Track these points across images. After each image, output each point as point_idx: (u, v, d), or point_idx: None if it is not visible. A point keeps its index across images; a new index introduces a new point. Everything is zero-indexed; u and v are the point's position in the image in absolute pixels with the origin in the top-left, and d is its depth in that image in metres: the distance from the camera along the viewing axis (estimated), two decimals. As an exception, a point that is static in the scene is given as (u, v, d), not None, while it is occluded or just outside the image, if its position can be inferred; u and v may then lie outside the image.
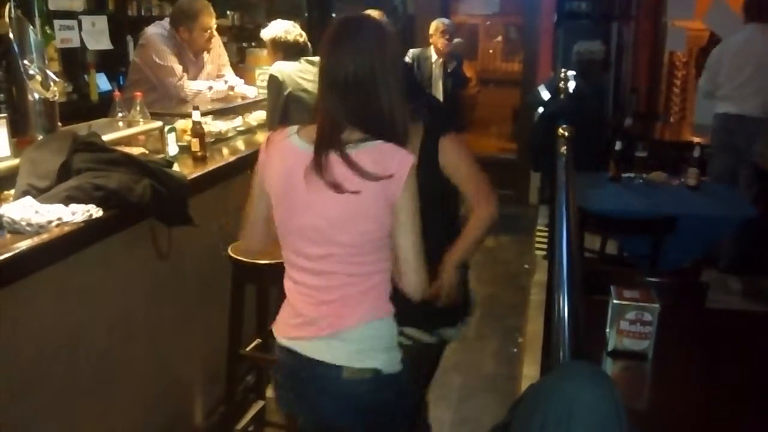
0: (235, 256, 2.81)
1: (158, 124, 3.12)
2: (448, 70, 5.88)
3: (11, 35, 2.45)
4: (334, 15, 6.69)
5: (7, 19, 2.45)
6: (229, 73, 4.53)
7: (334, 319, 1.75)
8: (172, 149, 3.07)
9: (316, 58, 3.80)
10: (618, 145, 4.28)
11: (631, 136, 5.38)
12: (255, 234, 1.94)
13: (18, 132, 2.51)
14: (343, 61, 1.66)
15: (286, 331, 1.84)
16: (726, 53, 4.97)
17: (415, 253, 1.72)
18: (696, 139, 5.23)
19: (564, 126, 3.66)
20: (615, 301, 2.05)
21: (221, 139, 3.54)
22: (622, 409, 1.17)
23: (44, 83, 2.57)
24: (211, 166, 3.03)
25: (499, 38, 10.13)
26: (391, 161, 1.65)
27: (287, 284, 1.86)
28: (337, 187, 1.64)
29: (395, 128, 1.70)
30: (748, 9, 4.92)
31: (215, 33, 4.26)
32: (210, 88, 4.22)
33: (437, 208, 2.17)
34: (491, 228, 2.17)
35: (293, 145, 1.75)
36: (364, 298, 1.76)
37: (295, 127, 1.79)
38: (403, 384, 1.84)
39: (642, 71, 7.11)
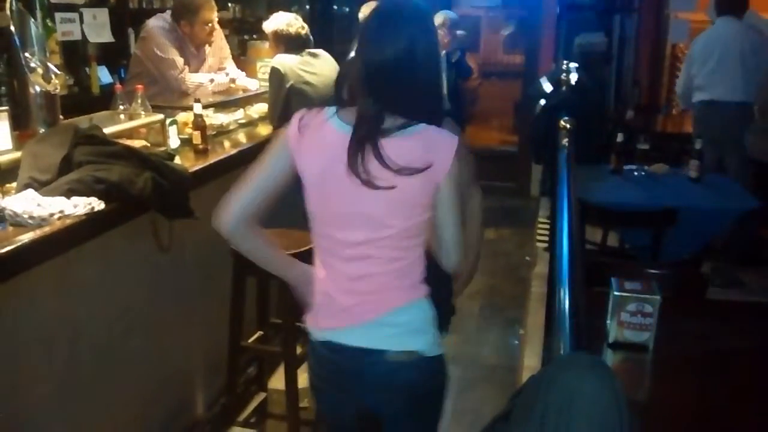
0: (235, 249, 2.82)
1: (160, 116, 3.13)
2: (452, 61, 5.86)
3: (12, 28, 2.46)
4: (335, 7, 6.68)
5: (8, 12, 2.45)
6: (230, 65, 4.52)
7: (378, 304, 1.72)
8: (174, 142, 3.07)
9: (319, 51, 3.81)
10: (619, 138, 4.27)
11: (633, 128, 5.37)
12: (234, 212, 1.80)
13: (19, 125, 2.52)
14: (381, 47, 1.62)
15: (325, 322, 1.78)
16: (701, 47, 5.12)
17: (455, 231, 1.70)
18: (698, 131, 5.22)
19: (565, 118, 3.66)
20: (616, 293, 2.05)
21: (223, 131, 3.55)
22: (623, 399, 1.18)
23: (45, 76, 2.57)
24: (212, 159, 3.04)
25: (501, 30, 10.09)
26: (437, 145, 1.63)
27: (322, 274, 1.79)
28: (371, 184, 1.61)
29: (435, 113, 1.68)
30: (720, 2, 5.06)
31: (217, 26, 4.26)
32: (211, 80, 4.22)
33: None
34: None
35: (333, 128, 1.68)
36: (405, 280, 1.74)
37: (332, 109, 1.73)
38: (443, 367, 1.82)
39: (644, 63, 7.09)
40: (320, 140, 1.69)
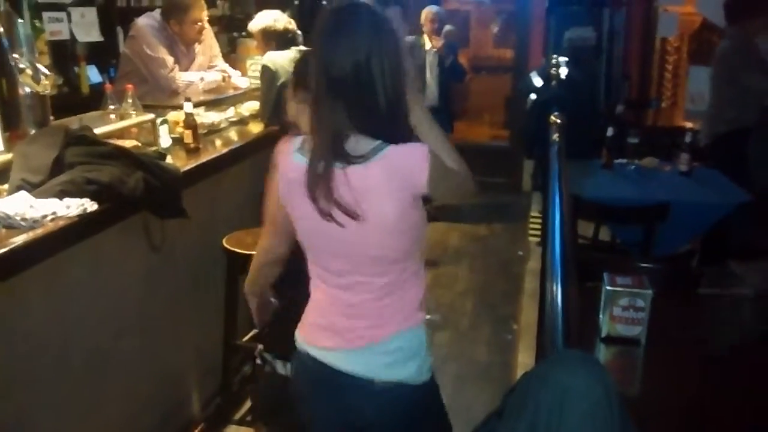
0: (229, 247, 2.82)
1: (150, 116, 3.12)
2: (446, 65, 5.89)
3: (0, 29, 2.44)
4: (324, 2, 6.67)
5: (-4, 13, 2.45)
6: (220, 63, 4.52)
7: (369, 331, 1.67)
8: (165, 141, 3.07)
9: (309, 49, 3.80)
10: (610, 132, 4.29)
11: (623, 122, 5.39)
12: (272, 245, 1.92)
13: (9, 126, 2.51)
14: (337, 57, 1.51)
15: (315, 339, 1.75)
16: None
17: (456, 185, 1.66)
18: (688, 125, 5.24)
19: (556, 113, 3.67)
20: (608, 288, 2.06)
21: (214, 130, 3.54)
22: (615, 395, 1.18)
23: (35, 77, 2.56)
24: (204, 158, 3.04)
25: (491, 25, 10.10)
26: (406, 163, 1.53)
27: (317, 293, 1.76)
28: (332, 219, 1.55)
29: (399, 126, 1.57)
30: None
31: (206, 24, 4.25)
32: (201, 79, 4.21)
33: None
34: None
35: (295, 163, 1.62)
36: (398, 308, 1.68)
37: (299, 140, 1.67)
38: (433, 394, 1.78)
39: (634, 57, 7.11)
40: (287, 172, 1.66)
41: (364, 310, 1.68)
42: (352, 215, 1.54)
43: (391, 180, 1.53)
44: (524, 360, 3.49)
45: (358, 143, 1.54)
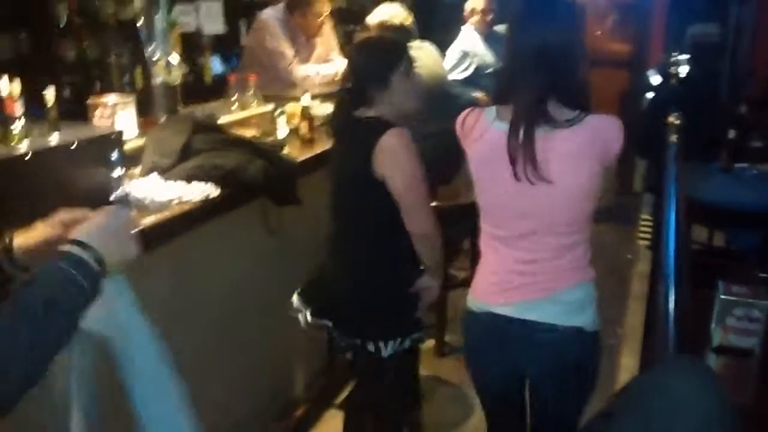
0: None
1: (270, 107, 3.24)
2: None
3: (139, 22, 2.61)
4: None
5: (136, 8, 2.62)
6: (337, 56, 4.61)
7: (548, 284, 1.80)
8: (283, 132, 3.18)
9: (422, 43, 3.84)
10: (731, 134, 4.11)
11: (746, 124, 5.13)
12: None
13: (143, 113, 2.68)
14: (539, 33, 1.68)
15: (494, 298, 1.88)
16: None
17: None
18: (817, 128, 4.93)
19: (674, 114, 3.56)
20: (722, 297, 2.00)
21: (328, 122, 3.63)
22: (728, 407, 1.17)
23: (167, 67, 2.72)
24: (318, 149, 3.13)
25: (609, 17, 9.81)
26: (604, 132, 1.69)
27: (490, 253, 1.89)
28: (531, 182, 1.67)
29: (587, 99, 1.73)
30: None
31: (326, 17, 4.34)
32: (318, 72, 4.31)
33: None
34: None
35: (494, 129, 1.75)
36: (574, 262, 1.81)
37: (492, 110, 1.80)
38: (599, 342, 1.91)
39: (761, 56, 6.75)
40: (483, 144, 1.77)
41: (543, 267, 1.80)
42: (548, 179, 1.66)
43: (592, 146, 1.67)
44: (628, 363, 3.42)
45: (558, 110, 1.68)
